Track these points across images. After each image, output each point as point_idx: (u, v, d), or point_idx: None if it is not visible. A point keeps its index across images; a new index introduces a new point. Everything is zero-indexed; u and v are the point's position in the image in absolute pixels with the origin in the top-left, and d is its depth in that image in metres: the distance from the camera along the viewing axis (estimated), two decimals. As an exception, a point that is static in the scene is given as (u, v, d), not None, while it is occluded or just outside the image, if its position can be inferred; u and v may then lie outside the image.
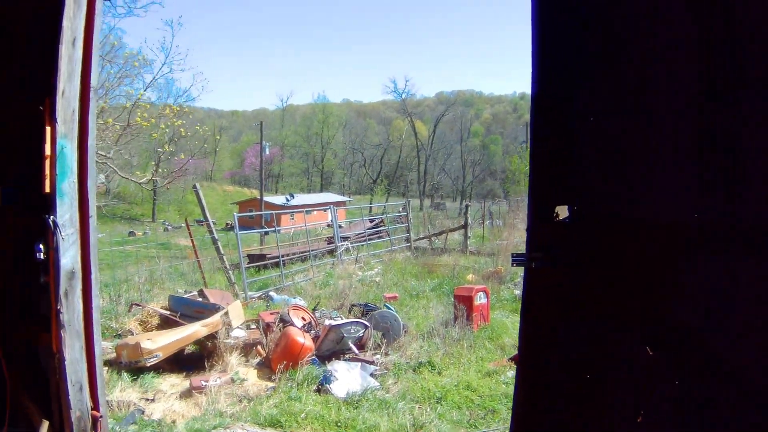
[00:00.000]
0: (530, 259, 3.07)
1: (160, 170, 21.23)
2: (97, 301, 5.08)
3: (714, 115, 2.54)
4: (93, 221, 4.93)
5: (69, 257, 4.74)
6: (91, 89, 4.84)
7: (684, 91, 2.64)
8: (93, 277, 4.99)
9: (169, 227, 65.60)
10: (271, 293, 16.13)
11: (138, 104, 20.79)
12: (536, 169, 3.07)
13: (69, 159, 4.70)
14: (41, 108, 4.66)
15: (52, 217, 4.61)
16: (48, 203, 4.65)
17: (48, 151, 4.59)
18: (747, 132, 2.44)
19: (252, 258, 22.19)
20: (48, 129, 4.60)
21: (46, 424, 4.49)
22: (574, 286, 2.95)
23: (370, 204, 68.51)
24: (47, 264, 4.72)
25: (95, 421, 5.18)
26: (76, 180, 4.79)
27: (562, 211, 2.97)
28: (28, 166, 4.80)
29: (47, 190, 4.62)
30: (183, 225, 19.81)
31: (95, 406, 5.22)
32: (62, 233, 4.65)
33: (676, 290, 2.65)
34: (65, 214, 4.69)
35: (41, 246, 4.69)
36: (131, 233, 55.52)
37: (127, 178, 20.18)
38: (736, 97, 2.48)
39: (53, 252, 4.68)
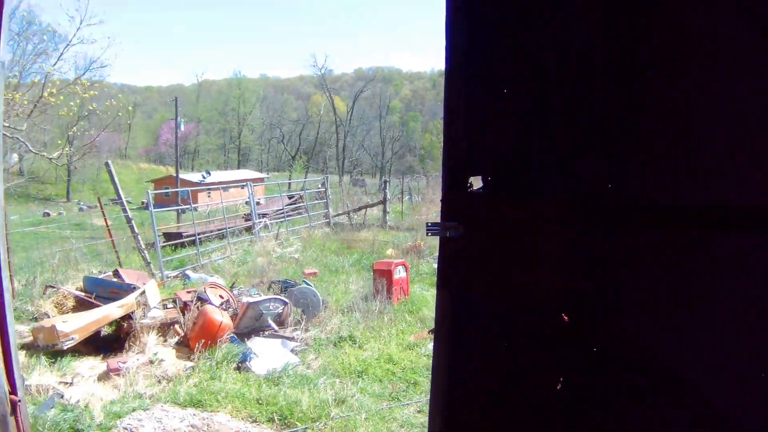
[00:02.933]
0: (444, 228, 3.06)
1: (70, 148, 20.53)
2: (6, 283, 4.85)
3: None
4: (-1, 201, 4.70)
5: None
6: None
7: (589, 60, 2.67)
8: (1, 258, 4.76)
9: (84, 207, 63.72)
10: (188, 272, 15.87)
11: (50, 80, 20.10)
12: (450, 140, 3.06)
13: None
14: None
15: None
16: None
17: (-58, 127, 4.36)
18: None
19: (168, 236, 21.77)
20: (-57, 104, 4.37)
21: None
22: (484, 257, 2.97)
23: (289, 180, 68.03)
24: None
25: (14, 405, 4.98)
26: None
27: (477, 182, 2.97)
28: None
29: None
30: (98, 204, 19.23)
31: (12, 390, 5.01)
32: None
33: (568, 260, 2.70)
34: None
35: (-61, 228, 4.46)
36: (46, 214, 53.86)
37: (37, 153, 19.47)
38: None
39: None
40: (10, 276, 12.77)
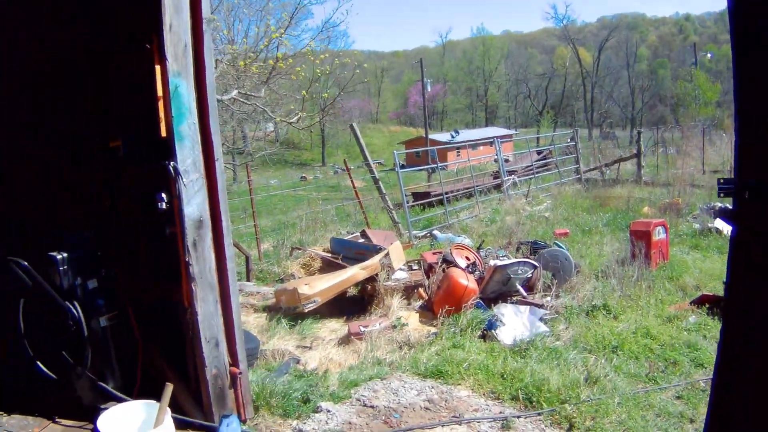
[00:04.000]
0: (742, 187, 2.22)
1: (303, 113, 21.19)
2: (231, 251, 4.67)
3: None
4: (220, 165, 4.49)
5: (195, 205, 4.34)
6: (204, 21, 4.34)
7: None
8: (224, 225, 4.57)
9: (339, 170, 66.67)
10: (435, 232, 15.63)
11: (306, 52, 20.82)
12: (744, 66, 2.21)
13: (185, 99, 4.25)
14: (148, 46, 4.24)
15: (172, 163, 4.21)
16: (166, 148, 4.25)
17: (160, 91, 4.17)
18: None
19: (416, 196, 21.81)
20: (158, 68, 4.17)
21: (170, 388, 4.15)
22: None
23: (537, 135, 66.45)
24: (171, 214, 4.36)
25: (234, 377, 4.84)
26: (196, 121, 4.35)
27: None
28: (143, 110, 4.42)
29: (164, 134, 4.22)
30: (352, 167, 19.72)
31: (234, 362, 4.87)
32: (184, 180, 4.24)
33: None
34: (187, 158, 4.28)
35: (163, 195, 4.31)
36: (302, 178, 57.00)
37: (284, 121, 20.24)
38: None
39: (177, 200, 4.29)
40: (257, 239, 13.32)
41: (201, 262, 4.40)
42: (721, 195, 2.27)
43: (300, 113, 20.73)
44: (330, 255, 11.21)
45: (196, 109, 4.35)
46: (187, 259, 4.33)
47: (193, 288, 4.38)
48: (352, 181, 17.50)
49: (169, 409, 4.17)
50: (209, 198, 4.44)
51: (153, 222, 4.50)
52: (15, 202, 5.22)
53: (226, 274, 4.58)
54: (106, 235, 5.03)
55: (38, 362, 4.98)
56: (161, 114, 4.21)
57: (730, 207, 2.29)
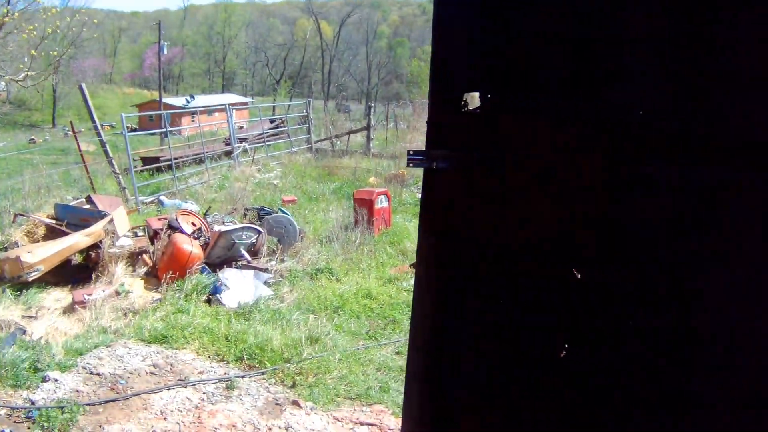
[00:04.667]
0: (430, 157, 2.47)
1: (31, 71, 19.78)
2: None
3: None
4: None
5: None
6: None
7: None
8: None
9: (69, 133, 62.54)
10: (162, 197, 15.32)
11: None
12: (441, 42, 2.47)
13: None
14: None
15: None
16: None
17: None
18: None
19: (145, 161, 21.12)
20: None
21: None
22: (479, 192, 2.37)
23: (273, 104, 66.63)
24: None
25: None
26: None
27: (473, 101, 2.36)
28: None
29: None
30: (82, 129, 18.31)
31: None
32: None
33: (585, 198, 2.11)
34: None
35: None
36: (31, 140, 52.96)
37: (12, 79, 18.74)
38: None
39: None
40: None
41: None
42: (410, 165, 2.51)
43: (27, 72, 19.26)
44: (54, 222, 10.60)
45: None
46: None
47: None
48: (78, 144, 16.57)
49: None
50: None
51: None
52: None
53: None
54: None
55: None
56: None
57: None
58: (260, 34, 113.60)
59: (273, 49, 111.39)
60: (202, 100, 67.47)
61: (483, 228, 2.34)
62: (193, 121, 49.08)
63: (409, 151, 2.49)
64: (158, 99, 57.50)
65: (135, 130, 30.77)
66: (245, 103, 66.62)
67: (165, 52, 76.14)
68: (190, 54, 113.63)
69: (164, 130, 30.67)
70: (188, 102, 66.06)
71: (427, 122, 2.52)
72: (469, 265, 2.40)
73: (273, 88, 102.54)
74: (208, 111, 40.94)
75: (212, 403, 5.71)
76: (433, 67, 2.50)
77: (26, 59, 20.09)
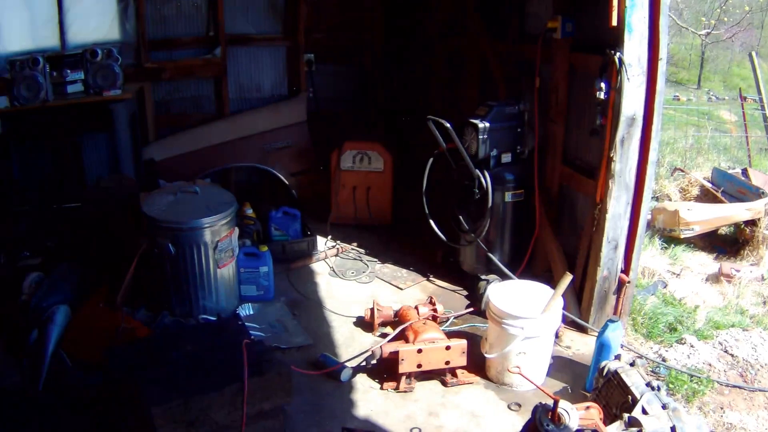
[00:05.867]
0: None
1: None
2: (654, 155, 4.47)
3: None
4: (663, 65, 4.24)
5: (631, 101, 4.18)
6: None
7: None
8: (655, 128, 4.37)
9: (714, 97, 61.88)
10: None
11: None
12: None
13: (639, -11, 4.03)
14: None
15: (618, 53, 4.06)
16: (615, 38, 4.11)
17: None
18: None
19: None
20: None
21: (568, 278, 4.11)
22: None
23: None
24: (605, 106, 4.24)
25: (621, 284, 4.73)
26: (646, 15, 4.12)
27: None
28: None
29: (614, 23, 4.06)
30: (727, 97, 17.97)
31: (626, 269, 4.75)
32: (628, 73, 4.08)
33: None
34: (632, 52, 4.11)
35: (602, 85, 4.19)
36: (675, 97, 53.81)
37: (686, 28, 18.90)
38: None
39: (614, 93, 4.16)
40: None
41: (624, 160, 4.26)
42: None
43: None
44: (711, 185, 10.57)
45: (647, 3, 4.11)
46: (611, 155, 4.22)
47: (610, 185, 4.29)
48: (744, 113, 15.90)
49: (561, 299, 4.16)
50: (646, 96, 4.24)
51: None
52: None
53: (644, 178, 4.40)
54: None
55: (431, 220, 5.28)
56: (614, 1, 4.04)
57: None
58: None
59: None
60: None
61: None
62: None
63: None
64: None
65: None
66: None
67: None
68: None
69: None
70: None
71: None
72: None
73: None
74: None
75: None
76: None
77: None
